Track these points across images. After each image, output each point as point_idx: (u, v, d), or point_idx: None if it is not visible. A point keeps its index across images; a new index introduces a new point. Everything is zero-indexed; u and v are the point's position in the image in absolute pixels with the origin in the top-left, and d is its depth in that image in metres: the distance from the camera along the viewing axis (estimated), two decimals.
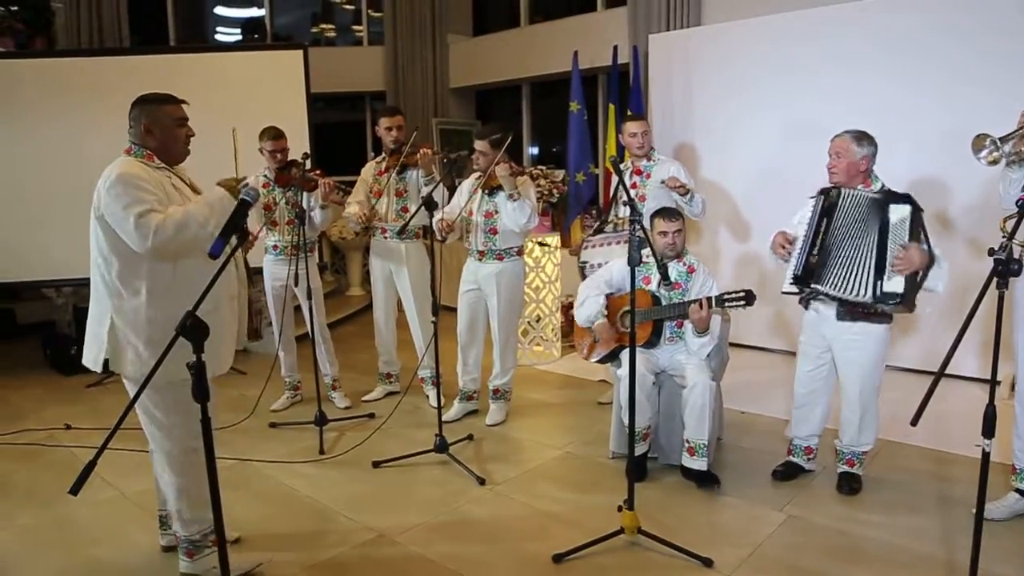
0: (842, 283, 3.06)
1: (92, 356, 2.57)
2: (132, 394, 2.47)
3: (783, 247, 3.23)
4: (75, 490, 1.72)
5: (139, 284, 2.47)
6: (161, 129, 2.54)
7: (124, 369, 2.54)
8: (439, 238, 4.07)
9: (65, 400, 4.92)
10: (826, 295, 3.14)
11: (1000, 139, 2.64)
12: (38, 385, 5.30)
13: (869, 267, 3.01)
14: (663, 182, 4.12)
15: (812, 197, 3.27)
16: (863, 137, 3.15)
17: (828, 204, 3.12)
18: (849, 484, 3.29)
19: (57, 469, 3.74)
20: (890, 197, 3.01)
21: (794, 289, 3.22)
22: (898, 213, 2.97)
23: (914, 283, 2.97)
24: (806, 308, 3.36)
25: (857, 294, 3.04)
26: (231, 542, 2.93)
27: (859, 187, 3.12)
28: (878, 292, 2.99)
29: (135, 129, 2.54)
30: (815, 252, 3.11)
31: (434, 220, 3.91)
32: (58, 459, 3.89)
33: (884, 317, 3.14)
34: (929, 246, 2.97)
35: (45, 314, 6.46)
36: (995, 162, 2.65)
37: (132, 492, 3.42)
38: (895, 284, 2.96)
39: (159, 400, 2.53)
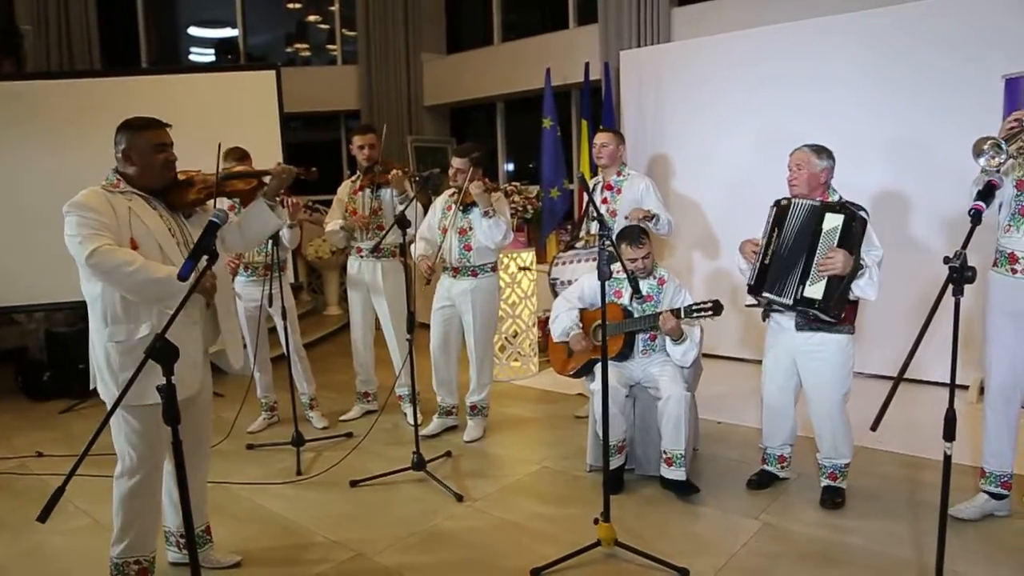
0: (778, 288, 3.14)
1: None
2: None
3: (754, 252, 3.28)
4: (43, 517, 1.70)
5: (101, 310, 2.50)
6: (138, 155, 2.55)
7: (101, 392, 2.59)
8: (424, 279, 4.11)
9: (37, 427, 4.85)
10: (770, 301, 3.20)
11: (1004, 140, 2.61)
12: (8, 412, 5.22)
13: (797, 272, 3.08)
14: (626, 217, 4.16)
15: (773, 206, 3.34)
16: (822, 151, 3.22)
17: (779, 214, 3.21)
18: (832, 499, 3.26)
19: (28, 498, 3.69)
20: (828, 207, 3.07)
21: (753, 300, 3.27)
22: (831, 222, 3.03)
23: (836, 290, 3.01)
24: (764, 319, 3.41)
25: (783, 297, 3.12)
26: (231, 565, 2.96)
27: (816, 199, 3.18)
28: (798, 296, 3.07)
29: (116, 154, 2.57)
30: (766, 260, 3.19)
31: (413, 251, 3.92)
32: (29, 487, 3.83)
33: (844, 326, 3.17)
34: (858, 255, 3.02)
35: (16, 340, 6.37)
36: (998, 167, 2.58)
37: (106, 519, 3.34)
38: (815, 290, 3.02)
39: (127, 421, 2.55)
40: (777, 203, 3.25)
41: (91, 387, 2.63)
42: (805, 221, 3.12)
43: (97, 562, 3.03)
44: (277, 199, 2.90)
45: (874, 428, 1.83)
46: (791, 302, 3.10)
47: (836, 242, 3.01)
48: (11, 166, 5.27)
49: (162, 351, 1.84)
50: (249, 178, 2.91)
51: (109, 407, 2.49)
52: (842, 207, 3.06)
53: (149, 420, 2.51)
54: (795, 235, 3.14)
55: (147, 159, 2.56)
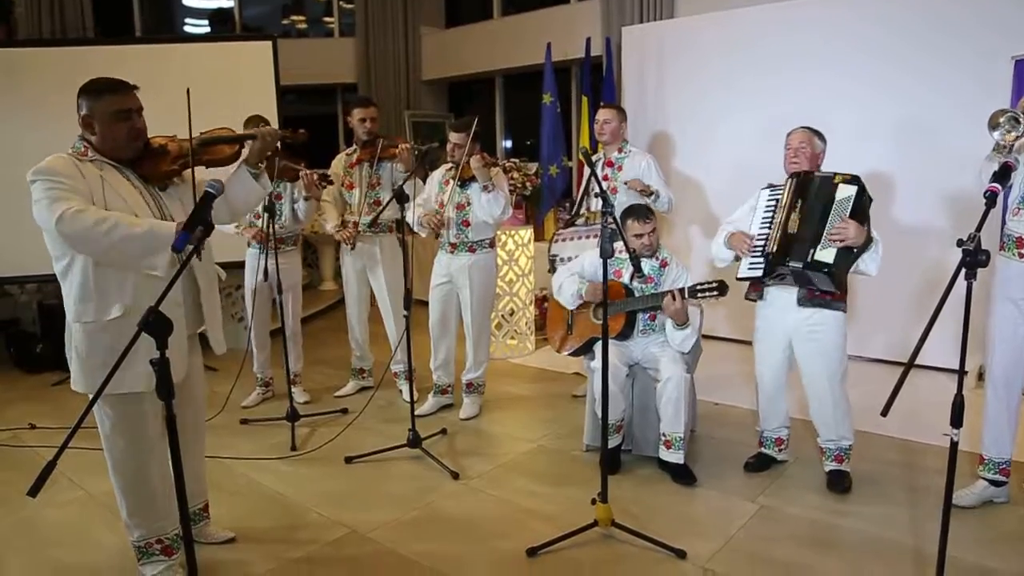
0: (796, 256, 3.08)
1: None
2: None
3: (747, 243, 3.24)
4: (34, 491, 1.65)
5: (69, 288, 2.37)
6: (100, 123, 2.35)
7: (72, 377, 2.49)
8: (437, 235, 4.10)
9: (29, 399, 4.82)
10: (792, 271, 3.13)
11: (1022, 113, 2.58)
12: (1, 383, 5.18)
13: (809, 239, 3.06)
14: (626, 183, 4.12)
15: (765, 188, 3.33)
16: (819, 133, 3.27)
17: (801, 184, 3.17)
18: (840, 482, 3.25)
19: (21, 470, 3.66)
20: (841, 177, 3.10)
21: (757, 272, 3.19)
22: (844, 192, 3.04)
23: (846, 259, 3.03)
24: (757, 300, 3.37)
25: (796, 262, 3.07)
26: (225, 541, 2.92)
27: (829, 171, 3.19)
28: (809, 259, 3.04)
29: (78, 119, 2.37)
30: (791, 231, 3.12)
31: (407, 214, 3.86)
32: (22, 459, 3.81)
33: (841, 302, 3.18)
34: (869, 228, 3.04)
35: (8, 311, 6.31)
36: (1014, 141, 2.57)
37: (99, 492, 3.34)
38: (826, 255, 3.01)
39: (106, 412, 2.47)
40: (795, 175, 3.21)
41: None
42: (820, 191, 3.11)
43: (90, 535, 3.03)
44: (262, 165, 2.67)
45: (884, 413, 1.81)
46: (801, 265, 3.06)
47: (848, 213, 3.00)
48: (2, 134, 5.19)
49: (156, 324, 1.79)
50: (230, 143, 2.67)
51: (82, 393, 2.44)
52: (855, 177, 3.06)
53: (126, 409, 2.43)
54: (811, 204, 3.12)
55: (110, 128, 2.36)
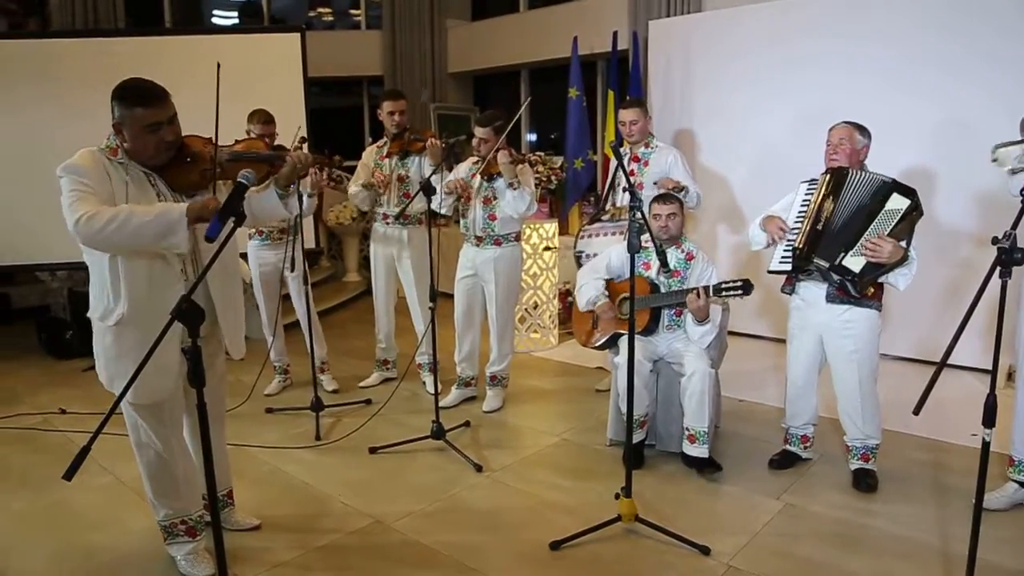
0: (826, 254, 3.05)
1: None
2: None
3: (782, 230, 3.21)
4: (69, 475, 1.69)
5: (93, 278, 2.44)
6: (129, 133, 2.34)
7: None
8: (460, 196, 4.09)
9: (60, 384, 4.90)
10: (818, 267, 3.10)
11: None
12: (32, 369, 5.28)
13: (845, 241, 3.02)
14: (655, 183, 4.10)
15: (805, 182, 3.28)
16: (863, 128, 3.20)
17: (837, 181, 3.10)
18: (866, 481, 3.22)
19: (52, 454, 3.73)
20: (899, 186, 3.00)
21: (787, 267, 3.17)
22: (896, 203, 2.97)
23: (874, 272, 2.98)
24: (791, 293, 3.34)
25: (824, 260, 3.04)
26: (250, 528, 2.97)
27: (888, 175, 3.11)
28: (836, 261, 3.01)
29: (112, 119, 2.37)
30: (818, 227, 3.08)
31: (434, 204, 3.87)
32: (53, 444, 3.88)
33: (873, 301, 3.14)
34: (908, 246, 2.98)
35: (40, 298, 6.43)
36: None
37: (128, 477, 3.39)
38: (855, 263, 2.98)
39: (126, 401, 2.47)
40: (833, 170, 3.15)
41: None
42: (869, 194, 3.03)
43: (119, 519, 3.08)
44: (292, 188, 2.65)
45: (917, 412, 1.79)
46: (827, 265, 3.03)
47: (892, 224, 2.94)
48: (35, 124, 5.27)
49: (187, 313, 1.81)
50: (260, 162, 2.62)
51: (105, 386, 2.53)
52: (912, 191, 2.98)
53: (141, 411, 2.52)
54: (854, 205, 3.05)
55: (139, 139, 2.35)
